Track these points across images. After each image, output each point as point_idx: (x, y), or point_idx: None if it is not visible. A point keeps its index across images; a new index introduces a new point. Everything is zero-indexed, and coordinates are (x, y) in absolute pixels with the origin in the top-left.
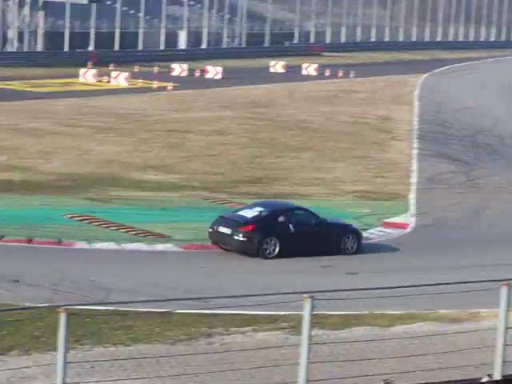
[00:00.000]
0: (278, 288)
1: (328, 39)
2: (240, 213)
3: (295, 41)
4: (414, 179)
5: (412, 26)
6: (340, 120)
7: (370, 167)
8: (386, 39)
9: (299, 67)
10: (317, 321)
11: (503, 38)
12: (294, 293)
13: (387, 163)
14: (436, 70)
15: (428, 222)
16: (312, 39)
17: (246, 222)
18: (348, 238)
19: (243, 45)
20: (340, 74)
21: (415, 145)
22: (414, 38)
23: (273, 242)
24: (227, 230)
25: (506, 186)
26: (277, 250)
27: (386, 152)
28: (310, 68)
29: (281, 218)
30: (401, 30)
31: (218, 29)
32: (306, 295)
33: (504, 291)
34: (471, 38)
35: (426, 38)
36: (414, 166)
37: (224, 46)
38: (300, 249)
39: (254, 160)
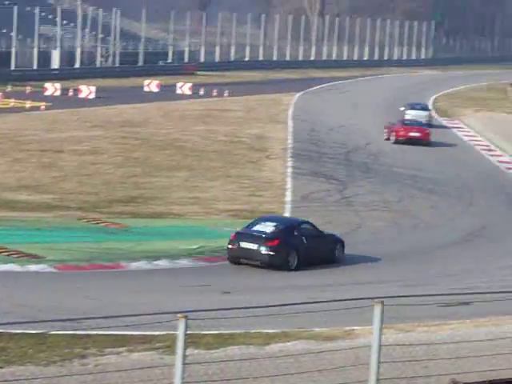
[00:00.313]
0: (153, 307)
1: (202, 58)
2: (256, 228)
3: (169, 60)
4: (288, 198)
5: (286, 44)
6: (214, 139)
7: (244, 186)
8: (260, 58)
9: (173, 86)
10: (191, 340)
11: (376, 58)
12: (167, 312)
13: (262, 182)
14: (310, 89)
15: None
16: (186, 58)
17: (271, 236)
18: (337, 247)
19: (117, 64)
20: (214, 93)
21: (289, 163)
22: (287, 57)
23: (293, 254)
24: (253, 246)
25: (379, 204)
26: (296, 262)
27: (260, 171)
28: (184, 87)
29: (296, 232)
30: (275, 49)
31: (92, 48)
32: (180, 315)
33: (377, 309)
34: (344, 57)
35: (300, 57)
36: (289, 184)
37: (97, 65)
38: (310, 260)
39: (128, 179)
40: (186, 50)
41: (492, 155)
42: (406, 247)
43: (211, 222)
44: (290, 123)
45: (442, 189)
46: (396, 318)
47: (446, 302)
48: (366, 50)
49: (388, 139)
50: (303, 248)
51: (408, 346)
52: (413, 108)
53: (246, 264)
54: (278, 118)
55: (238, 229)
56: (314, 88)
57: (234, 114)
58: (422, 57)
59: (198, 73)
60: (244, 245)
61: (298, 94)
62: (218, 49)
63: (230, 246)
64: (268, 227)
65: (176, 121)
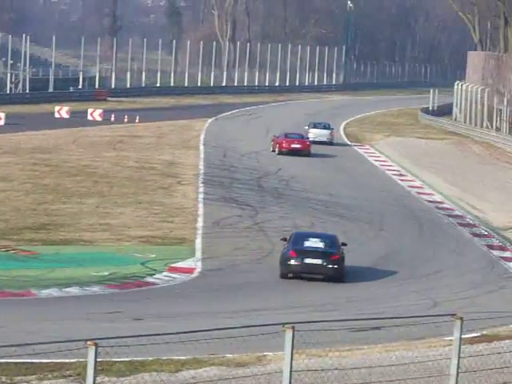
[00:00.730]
0: (63, 335)
1: (113, 84)
2: (311, 245)
3: (80, 86)
4: (200, 224)
5: (197, 70)
6: (125, 165)
7: (156, 212)
8: (172, 84)
9: (84, 112)
10: (102, 368)
11: (287, 83)
12: (77, 340)
13: (173, 208)
14: (221, 115)
15: (214, 267)
16: (97, 84)
17: (333, 252)
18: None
19: (27, 90)
20: (125, 119)
21: (201, 189)
22: (199, 83)
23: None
24: (318, 261)
25: (290, 229)
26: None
27: (172, 197)
28: (95, 113)
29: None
30: (186, 75)
31: (1, 74)
32: (89, 342)
33: (288, 334)
34: (256, 82)
35: (212, 83)
36: (200, 210)
37: (7, 91)
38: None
39: (38, 206)
40: (97, 75)
41: (403, 180)
42: None
43: (122, 249)
44: (202, 149)
45: (353, 214)
46: (307, 344)
47: (357, 327)
48: (278, 75)
49: (274, 151)
50: (343, 260)
51: (320, 372)
52: (315, 127)
53: (309, 278)
54: (190, 143)
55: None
56: (226, 114)
57: (146, 140)
58: (334, 82)
59: (109, 99)
60: (309, 261)
61: (209, 120)
62: (128, 75)
63: (292, 262)
64: (321, 243)
65: (87, 147)
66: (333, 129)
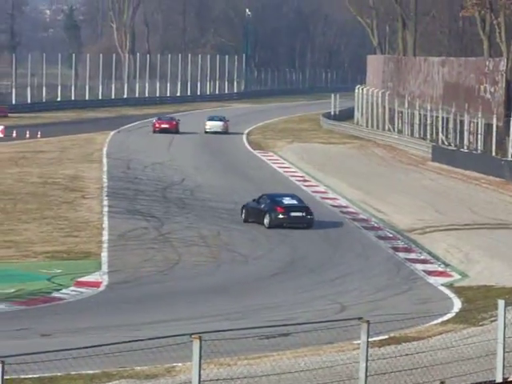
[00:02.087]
0: None
1: (13, 100)
2: (290, 202)
3: None
4: (105, 237)
5: (98, 83)
6: (29, 181)
7: (61, 227)
8: (73, 98)
9: None
10: None
11: (189, 93)
12: None
13: (78, 222)
14: (123, 127)
15: (121, 279)
16: None
17: (307, 206)
18: None
19: None
20: (27, 135)
21: (106, 202)
22: (100, 96)
23: None
24: (300, 214)
25: (196, 239)
26: None
27: (76, 211)
28: None
29: None
30: (87, 88)
31: None
32: None
33: (196, 344)
34: (157, 93)
35: (113, 96)
36: (105, 223)
37: None
38: None
39: None
40: None
41: (307, 185)
42: (225, 281)
43: (28, 265)
44: (105, 162)
45: None
46: (216, 353)
47: (265, 334)
48: (179, 85)
49: (154, 132)
50: None
51: (229, 381)
52: (211, 119)
53: (289, 227)
54: (93, 157)
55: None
56: (128, 126)
57: (48, 155)
58: (235, 90)
59: (10, 115)
60: (293, 214)
61: (112, 133)
62: (29, 90)
63: (281, 216)
64: (294, 200)
65: None
66: (228, 120)
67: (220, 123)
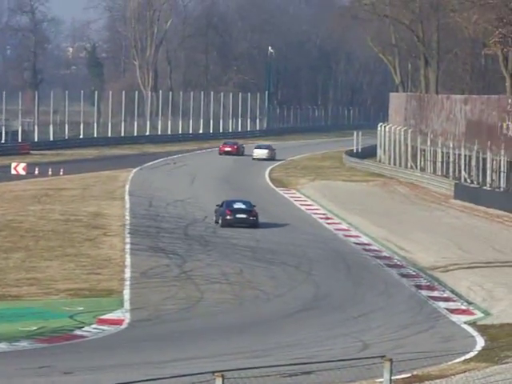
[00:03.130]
0: None
1: (36, 137)
2: (239, 206)
3: (2, 140)
4: (127, 274)
5: (120, 120)
6: (51, 218)
7: (83, 264)
8: (95, 135)
9: (7, 167)
10: None
11: (211, 130)
12: None
13: (100, 259)
14: (146, 165)
15: (143, 317)
16: (20, 138)
17: (252, 210)
18: None
19: None
20: (49, 172)
21: (128, 240)
22: (122, 133)
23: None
24: (244, 215)
25: (219, 277)
26: None
27: (99, 248)
28: (18, 167)
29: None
30: (109, 126)
31: None
32: None
33: (219, 382)
34: (180, 131)
35: (135, 133)
36: (128, 261)
37: None
38: None
39: None
40: (19, 129)
41: (329, 223)
42: (248, 318)
43: (50, 303)
44: (127, 199)
45: (280, 259)
46: None
47: (288, 373)
48: (201, 122)
49: (220, 154)
50: None
51: None
52: (258, 147)
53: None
54: (115, 194)
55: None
56: (151, 163)
57: (70, 192)
58: (257, 128)
59: (33, 152)
60: (239, 215)
61: (134, 170)
62: (51, 127)
63: (228, 218)
64: (242, 205)
65: (11, 201)
66: (274, 149)
67: (265, 151)
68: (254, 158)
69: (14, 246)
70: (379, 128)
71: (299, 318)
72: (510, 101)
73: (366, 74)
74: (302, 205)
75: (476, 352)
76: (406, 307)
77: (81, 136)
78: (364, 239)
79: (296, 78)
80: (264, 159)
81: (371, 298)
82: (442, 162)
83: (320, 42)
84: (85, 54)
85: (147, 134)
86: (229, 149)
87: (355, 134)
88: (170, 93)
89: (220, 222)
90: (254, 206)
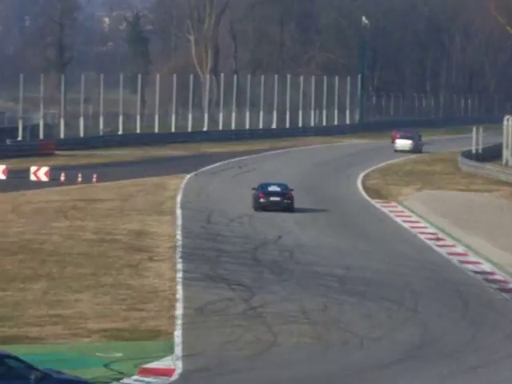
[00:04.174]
0: None
1: (62, 133)
2: (273, 189)
3: (19, 137)
4: (179, 311)
5: (170, 112)
6: (81, 238)
7: (122, 298)
8: (138, 131)
9: (26, 171)
10: None
11: (287, 125)
12: None
13: (144, 292)
14: (203, 169)
15: (200, 366)
16: (41, 134)
17: (287, 192)
18: None
19: None
20: (79, 179)
21: (180, 266)
22: (173, 129)
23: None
24: (278, 198)
25: (297, 315)
26: None
27: (142, 277)
28: (39, 172)
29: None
30: (156, 119)
31: None
32: None
33: None
34: (247, 125)
35: (189, 128)
36: (180, 293)
37: None
38: None
39: None
40: (41, 123)
41: (441, 245)
42: (335, 369)
43: (79, 347)
44: (179, 214)
45: (377, 292)
46: None
47: None
48: (275, 115)
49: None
50: None
51: None
52: (401, 138)
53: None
54: (164, 207)
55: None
56: (209, 167)
57: (106, 204)
58: (347, 121)
59: (58, 152)
60: (272, 198)
61: (188, 176)
62: (81, 120)
63: (261, 200)
64: (277, 188)
65: (30, 216)
66: (420, 138)
67: (409, 142)
68: (395, 150)
69: (33, 274)
70: (505, 122)
71: (401, 369)
72: None
73: (489, 52)
74: (404, 221)
75: None
76: None
77: (119, 132)
78: (486, 266)
79: (398, 58)
80: (407, 151)
81: (495, 344)
82: None
83: (429, 12)
84: (125, 26)
85: (205, 129)
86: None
87: (474, 129)
88: (235, 76)
89: (252, 204)
90: (292, 189)
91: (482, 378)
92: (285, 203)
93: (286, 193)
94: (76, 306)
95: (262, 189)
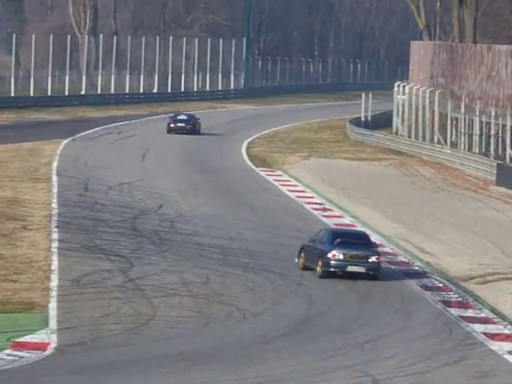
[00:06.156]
0: None
1: None
2: (182, 118)
3: None
4: (54, 282)
5: (46, 75)
6: None
7: None
8: (12, 94)
9: None
10: None
11: (169, 90)
12: None
13: (18, 262)
14: (81, 134)
15: (75, 340)
16: None
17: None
18: None
19: None
20: None
21: (55, 236)
22: (49, 92)
23: None
24: (182, 124)
25: (177, 287)
26: None
27: (15, 247)
28: None
29: None
30: (31, 81)
31: None
32: None
33: None
34: (127, 89)
35: (67, 92)
36: (55, 264)
37: None
38: None
39: None
40: None
41: (328, 216)
42: (216, 344)
43: None
44: (55, 181)
45: (261, 264)
46: None
47: None
48: (156, 79)
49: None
50: None
51: None
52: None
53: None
54: (39, 174)
55: None
56: (87, 132)
57: None
58: (232, 86)
59: None
60: (179, 124)
61: (64, 142)
62: None
63: (171, 125)
64: (185, 116)
65: None
66: (198, 119)
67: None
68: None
69: None
70: (396, 89)
71: (286, 343)
72: None
73: (380, 15)
74: (290, 191)
75: None
76: (430, 331)
77: None
78: (374, 238)
79: (285, 21)
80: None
81: (383, 318)
82: (481, 136)
83: None
84: None
85: (83, 93)
86: (182, 124)
87: (363, 96)
88: (115, 38)
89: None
90: (199, 118)
91: (368, 354)
92: (188, 128)
93: (189, 120)
94: None
95: (173, 117)
